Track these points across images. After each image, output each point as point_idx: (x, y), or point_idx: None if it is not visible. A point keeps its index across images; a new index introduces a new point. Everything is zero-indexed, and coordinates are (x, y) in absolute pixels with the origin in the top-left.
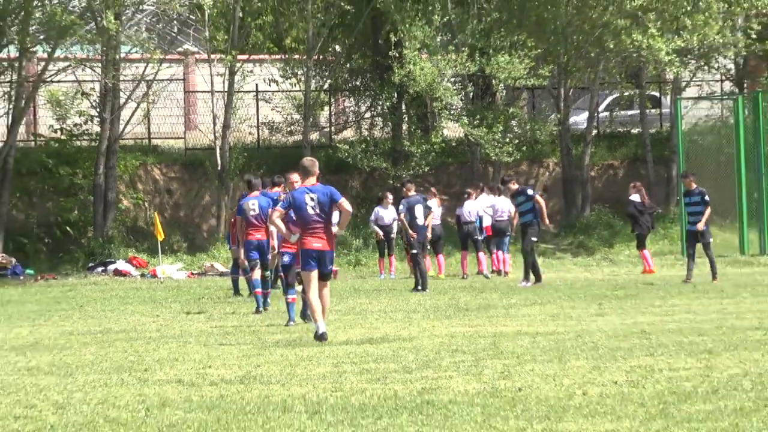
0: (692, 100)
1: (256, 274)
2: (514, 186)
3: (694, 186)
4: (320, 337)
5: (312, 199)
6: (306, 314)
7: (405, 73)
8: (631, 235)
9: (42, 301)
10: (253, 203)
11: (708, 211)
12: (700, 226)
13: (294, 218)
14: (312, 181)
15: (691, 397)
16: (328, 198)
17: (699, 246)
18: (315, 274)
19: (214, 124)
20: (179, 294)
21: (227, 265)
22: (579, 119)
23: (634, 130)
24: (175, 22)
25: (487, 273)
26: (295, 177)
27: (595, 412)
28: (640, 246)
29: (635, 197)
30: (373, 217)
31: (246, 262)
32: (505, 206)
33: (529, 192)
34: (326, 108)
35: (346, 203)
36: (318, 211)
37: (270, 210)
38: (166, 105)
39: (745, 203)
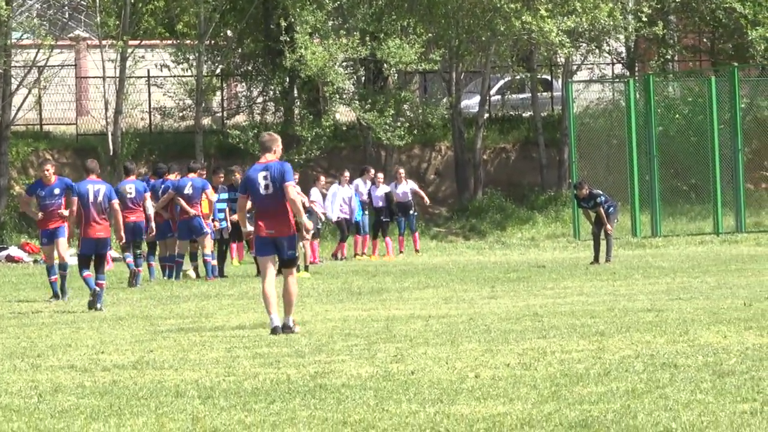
0: (583, 83)
1: (129, 253)
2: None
3: (585, 192)
4: (274, 331)
5: (265, 177)
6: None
7: (296, 57)
8: (525, 217)
9: None
10: (130, 187)
11: (602, 210)
12: (609, 229)
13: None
14: (271, 158)
15: (583, 379)
16: (280, 175)
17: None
18: (271, 260)
19: (106, 109)
20: (72, 280)
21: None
22: (471, 103)
23: (526, 114)
24: (66, 7)
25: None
26: (47, 166)
27: (487, 395)
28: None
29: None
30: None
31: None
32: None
33: None
34: (218, 93)
35: (291, 190)
36: (271, 190)
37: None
38: (58, 91)
39: (637, 186)
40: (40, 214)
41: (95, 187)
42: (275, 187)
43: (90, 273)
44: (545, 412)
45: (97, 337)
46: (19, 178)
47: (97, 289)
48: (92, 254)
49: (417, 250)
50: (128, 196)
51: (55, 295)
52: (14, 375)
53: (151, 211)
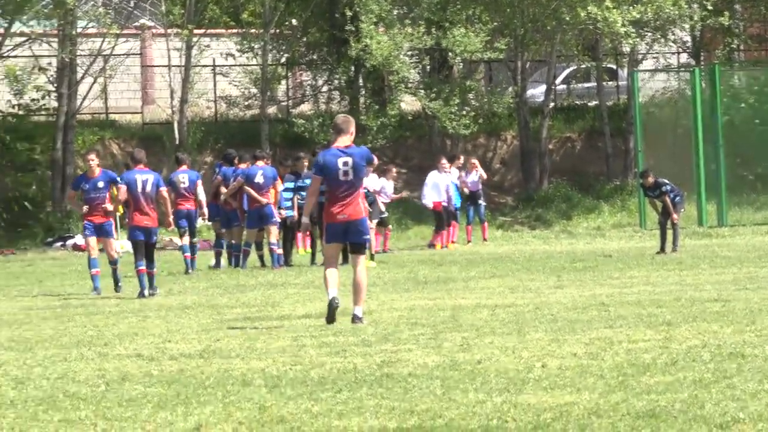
0: (649, 72)
1: (185, 240)
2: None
3: (651, 181)
4: (331, 303)
5: (345, 163)
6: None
7: (361, 47)
8: (590, 207)
9: (0, 277)
10: (183, 176)
11: (668, 200)
12: (675, 218)
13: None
14: (346, 141)
15: (650, 368)
16: (364, 161)
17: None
18: (338, 248)
19: (172, 98)
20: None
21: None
22: (536, 92)
23: (591, 103)
24: None
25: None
26: (92, 156)
27: (554, 385)
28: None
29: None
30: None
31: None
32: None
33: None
34: (283, 82)
35: (376, 162)
36: (351, 177)
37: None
38: (123, 79)
39: (703, 175)
40: (85, 208)
41: (143, 177)
42: (357, 174)
43: (144, 268)
44: (612, 402)
45: (163, 325)
46: (85, 166)
47: (146, 293)
48: (141, 240)
49: (485, 239)
50: (182, 185)
51: (96, 289)
52: (81, 363)
53: (202, 198)
